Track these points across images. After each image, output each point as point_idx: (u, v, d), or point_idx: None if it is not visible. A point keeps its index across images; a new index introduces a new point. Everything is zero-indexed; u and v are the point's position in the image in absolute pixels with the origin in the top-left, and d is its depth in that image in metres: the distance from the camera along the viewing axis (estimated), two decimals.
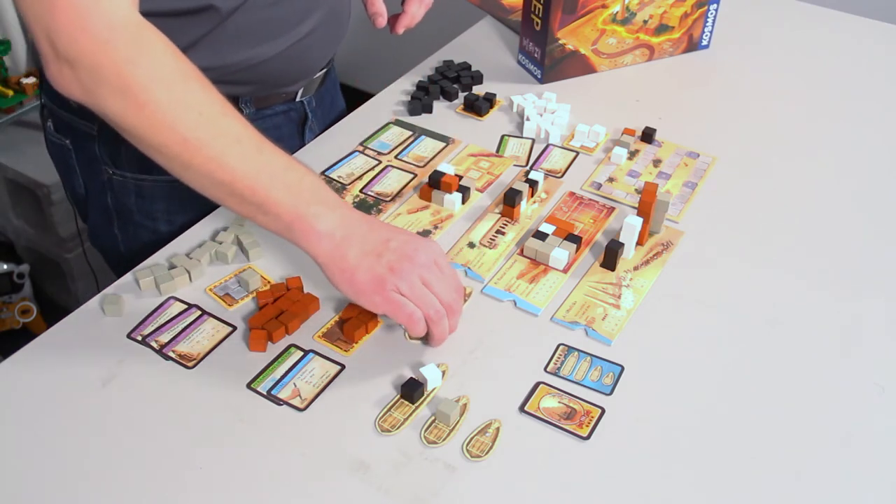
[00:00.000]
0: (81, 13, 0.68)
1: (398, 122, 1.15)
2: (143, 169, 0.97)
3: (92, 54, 0.69)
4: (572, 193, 1.04)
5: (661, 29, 1.30)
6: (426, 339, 0.81)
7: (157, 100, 0.71)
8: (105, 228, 1.06)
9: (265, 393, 0.77)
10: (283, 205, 0.75)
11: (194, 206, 1.00)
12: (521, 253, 0.94)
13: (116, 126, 0.74)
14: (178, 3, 0.85)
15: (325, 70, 1.10)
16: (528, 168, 1.08)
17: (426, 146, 1.10)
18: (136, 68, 0.70)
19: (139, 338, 0.81)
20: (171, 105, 0.72)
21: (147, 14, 0.85)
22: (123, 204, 1.01)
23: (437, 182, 1.00)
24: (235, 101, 0.97)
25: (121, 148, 0.95)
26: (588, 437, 0.75)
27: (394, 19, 1.06)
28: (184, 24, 0.87)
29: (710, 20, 1.33)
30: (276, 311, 0.83)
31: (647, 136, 1.13)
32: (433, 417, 0.76)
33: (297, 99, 1.06)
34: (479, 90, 1.23)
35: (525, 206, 1.01)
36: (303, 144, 1.10)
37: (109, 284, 0.88)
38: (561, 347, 0.83)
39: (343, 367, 0.80)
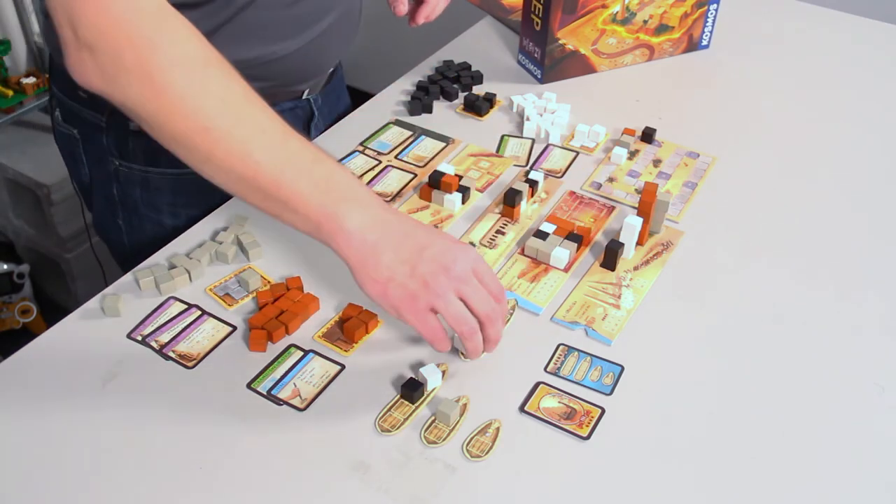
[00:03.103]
0: None
1: (398, 122, 1.15)
2: (149, 161, 0.97)
3: (113, 38, 0.67)
4: (572, 193, 1.03)
5: (661, 29, 1.30)
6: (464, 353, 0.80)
7: (177, 84, 0.68)
8: (109, 219, 1.06)
9: (265, 393, 0.77)
10: (311, 202, 0.71)
11: (200, 199, 1.01)
12: (522, 252, 0.94)
13: (136, 116, 0.72)
14: None
15: (331, 69, 1.10)
16: (528, 168, 1.08)
17: (426, 146, 1.10)
18: (156, 52, 0.68)
19: (139, 338, 0.81)
20: (191, 91, 0.69)
21: None
22: (129, 195, 1.01)
23: (437, 182, 1.00)
24: None
25: (128, 139, 0.96)
26: (588, 437, 0.75)
27: (413, 10, 1.06)
28: (195, 16, 0.87)
29: (710, 20, 1.33)
30: (276, 311, 0.83)
31: (647, 136, 1.13)
32: (433, 417, 0.76)
33: (304, 97, 1.06)
34: (479, 90, 1.23)
35: (525, 206, 1.01)
36: (309, 138, 1.10)
37: (116, 279, 0.88)
38: (561, 347, 0.83)
39: (343, 367, 0.80)
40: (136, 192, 1.00)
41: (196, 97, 0.69)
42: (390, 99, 1.20)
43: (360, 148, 1.09)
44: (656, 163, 1.10)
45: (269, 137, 0.71)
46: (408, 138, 1.11)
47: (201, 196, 1.00)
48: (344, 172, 0.74)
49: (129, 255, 1.08)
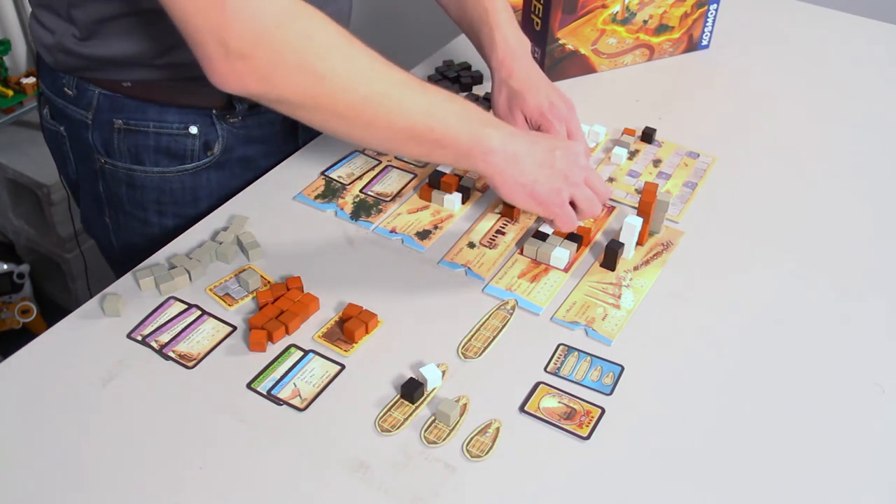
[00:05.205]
0: (251, 4, 0.71)
1: None
2: (134, 160, 0.98)
3: (269, 40, 0.72)
4: None
5: (661, 29, 1.30)
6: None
7: (335, 67, 0.75)
8: (96, 217, 1.07)
9: (265, 393, 0.77)
10: (460, 134, 0.82)
11: (185, 197, 1.01)
12: (522, 253, 0.94)
13: (295, 106, 0.77)
14: None
15: None
16: None
17: None
18: (312, 42, 0.74)
19: (139, 338, 0.81)
20: (348, 69, 0.76)
21: (142, 12, 0.86)
22: (115, 193, 1.01)
23: (437, 182, 1.00)
24: (231, 98, 0.97)
25: (113, 137, 0.96)
26: (588, 437, 0.75)
27: None
28: None
29: (710, 20, 1.33)
30: (276, 311, 0.83)
31: (647, 136, 1.13)
32: (433, 417, 0.76)
33: None
34: (479, 90, 1.23)
35: None
36: (296, 142, 1.10)
37: (102, 286, 0.88)
38: (561, 347, 0.83)
39: (343, 367, 0.80)
40: (122, 190, 1.01)
41: (354, 74, 0.77)
42: None
43: (361, 148, 1.09)
44: (656, 163, 1.10)
45: (411, 89, 0.80)
46: None
47: (186, 194, 1.01)
48: (469, 103, 0.84)
49: (117, 254, 1.09)
